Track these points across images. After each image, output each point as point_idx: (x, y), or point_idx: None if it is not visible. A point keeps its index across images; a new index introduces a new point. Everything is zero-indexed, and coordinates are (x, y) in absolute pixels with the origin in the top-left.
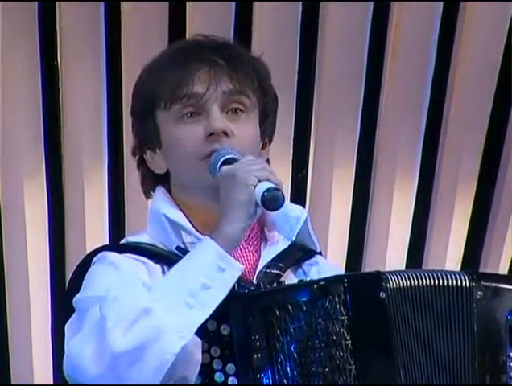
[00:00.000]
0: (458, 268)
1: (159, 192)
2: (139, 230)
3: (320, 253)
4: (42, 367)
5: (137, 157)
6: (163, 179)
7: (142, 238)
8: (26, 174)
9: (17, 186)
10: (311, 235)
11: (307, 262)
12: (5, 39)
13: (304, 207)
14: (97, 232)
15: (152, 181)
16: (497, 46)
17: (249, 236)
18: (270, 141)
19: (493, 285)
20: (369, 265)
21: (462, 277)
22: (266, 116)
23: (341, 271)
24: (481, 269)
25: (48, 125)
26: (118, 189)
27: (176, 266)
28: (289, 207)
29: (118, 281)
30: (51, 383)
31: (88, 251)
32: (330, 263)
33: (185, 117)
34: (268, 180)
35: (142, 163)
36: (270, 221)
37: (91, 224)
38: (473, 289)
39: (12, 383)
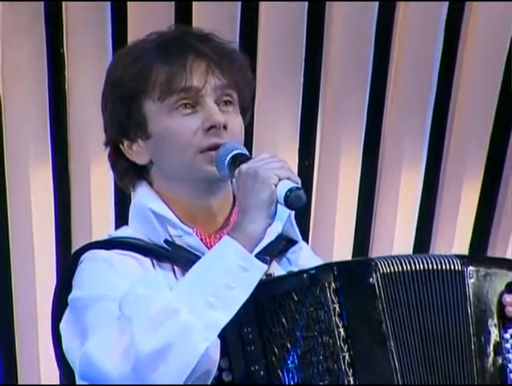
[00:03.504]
0: None
1: (143, 186)
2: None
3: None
4: (49, 367)
5: (110, 147)
6: (144, 171)
7: (126, 233)
8: (32, 162)
9: (23, 175)
10: (293, 226)
11: (291, 250)
12: (11, 27)
13: (310, 196)
14: (103, 221)
15: (133, 173)
16: (503, 44)
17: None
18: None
19: (485, 267)
20: (376, 255)
21: (454, 261)
22: (244, 111)
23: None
24: None
25: (54, 113)
26: None
27: (197, 266)
28: None
29: (140, 279)
30: (58, 382)
31: (94, 237)
32: (312, 254)
33: (181, 108)
34: (289, 179)
35: (118, 154)
36: None
37: (97, 213)
38: (465, 273)
39: (19, 383)
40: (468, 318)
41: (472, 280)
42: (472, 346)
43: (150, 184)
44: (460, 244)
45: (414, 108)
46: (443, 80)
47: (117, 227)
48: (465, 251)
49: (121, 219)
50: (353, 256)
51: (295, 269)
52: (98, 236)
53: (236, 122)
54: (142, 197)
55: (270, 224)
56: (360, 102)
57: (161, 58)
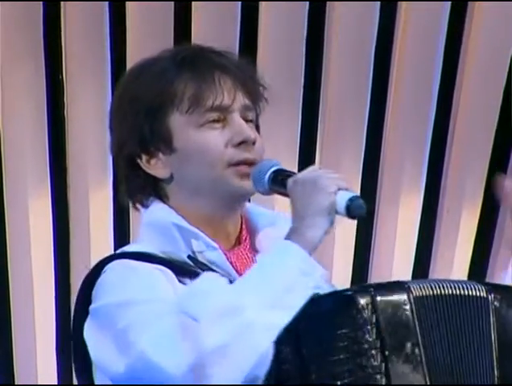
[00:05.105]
0: None
1: (159, 203)
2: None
3: None
4: (46, 368)
5: (125, 162)
6: (160, 187)
7: (139, 248)
8: (31, 188)
9: (22, 201)
10: None
11: None
12: (10, 53)
13: None
14: (102, 248)
15: (150, 188)
16: (506, 45)
17: (245, 240)
18: None
19: (507, 295)
20: (375, 279)
21: (479, 288)
22: (257, 129)
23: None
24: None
25: (53, 139)
26: (124, 203)
27: (257, 267)
28: (277, 216)
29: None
30: (56, 383)
31: (92, 263)
32: None
33: (209, 123)
34: (346, 189)
35: (134, 169)
36: (257, 228)
37: (96, 240)
38: (489, 300)
39: (16, 383)
40: (491, 345)
41: (496, 307)
42: (496, 372)
43: (165, 200)
44: (460, 265)
45: (413, 131)
46: (444, 101)
47: (116, 250)
48: (465, 273)
49: (121, 245)
50: (352, 279)
51: None
52: (97, 258)
53: (259, 139)
54: (161, 212)
55: (327, 232)
56: (359, 123)
57: (188, 72)
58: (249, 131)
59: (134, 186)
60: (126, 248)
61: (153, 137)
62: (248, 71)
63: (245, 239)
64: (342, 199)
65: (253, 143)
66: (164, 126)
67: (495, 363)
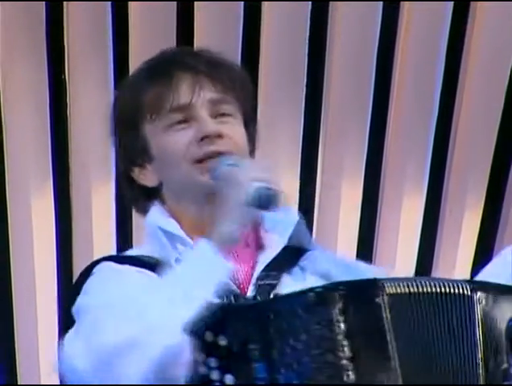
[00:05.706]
0: None
1: (156, 206)
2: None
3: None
4: (48, 368)
5: (123, 178)
6: (156, 193)
7: (141, 251)
8: (33, 187)
9: (24, 200)
10: (306, 235)
11: (303, 258)
12: (12, 53)
13: (312, 224)
14: (104, 247)
15: (146, 197)
16: (508, 49)
17: (244, 242)
18: (253, 152)
19: (493, 293)
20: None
21: (462, 285)
22: (247, 123)
23: (334, 259)
24: None
25: (56, 138)
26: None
27: (177, 266)
28: (281, 210)
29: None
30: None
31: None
32: (328, 253)
33: (174, 124)
34: (263, 181)
35: (130, 182)
36: (263, 225)
37: (99, 239)
38: (474, 297)
39: (19, 383)
40: (476, 343)
41: (481, 305)
42: (480, 371)
43: (163, 204)
44: (462, 267)
45: (416, 133)
46: (446, 104)
47: (119, 253)
48: (467, 274)
49: (124, 245)
50: None
51: (312, 276)
52: None
53: (235, 131)
54: (153, 215)
55: (244, 225)
56: (362, 125)
57: (148, 78)
58: (210, 125)
59: (133, 199)
60: (130, 251)
61: (136, 150)
62: (215, 64)
63: (248, 236)
64: (253, 190)
65: (220, 136)
66: (140, 137)
67: (480, 362)
